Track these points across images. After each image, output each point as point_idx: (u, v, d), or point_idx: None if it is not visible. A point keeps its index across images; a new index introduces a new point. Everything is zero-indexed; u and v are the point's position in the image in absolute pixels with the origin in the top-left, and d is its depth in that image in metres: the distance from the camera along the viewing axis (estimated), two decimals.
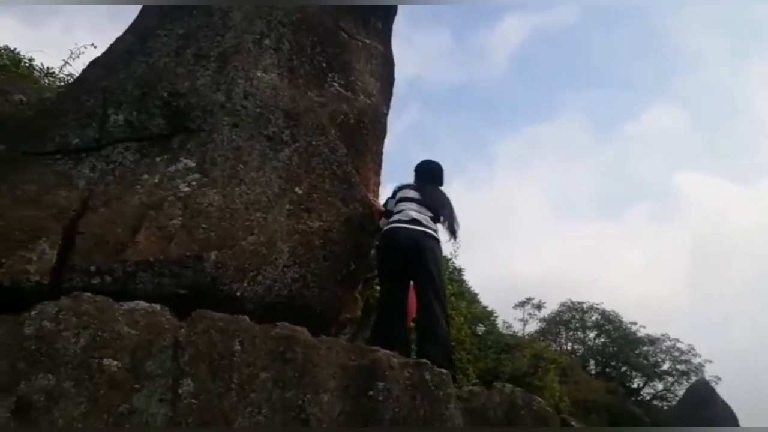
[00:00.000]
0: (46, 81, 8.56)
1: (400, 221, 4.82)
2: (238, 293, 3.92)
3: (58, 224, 3.85)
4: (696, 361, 28.14)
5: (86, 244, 3.78)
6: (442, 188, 5.39)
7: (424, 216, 4.85)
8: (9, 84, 5.66)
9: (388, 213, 5.14)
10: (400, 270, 4.84)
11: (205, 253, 3.88)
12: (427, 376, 3.58)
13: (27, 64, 8.79)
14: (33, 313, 3.03)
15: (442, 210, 5.05)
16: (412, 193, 5.07)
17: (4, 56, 8.43)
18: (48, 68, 9.00)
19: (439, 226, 5.07)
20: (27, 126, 4.68)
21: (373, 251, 5.18)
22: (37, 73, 8.75)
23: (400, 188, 5.27)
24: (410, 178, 5.51)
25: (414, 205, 4.92)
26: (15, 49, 8.94)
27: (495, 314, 17.14)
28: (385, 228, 4.97)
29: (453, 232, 5.10)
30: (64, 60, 9.03)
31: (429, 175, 5.41)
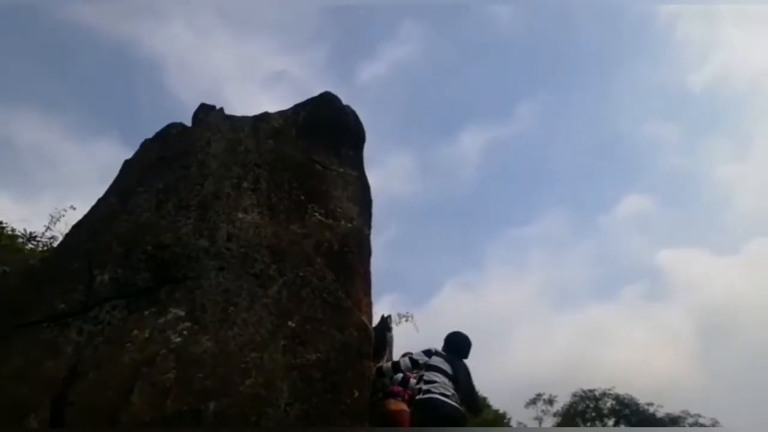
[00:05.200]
0: (29, 246, 8.63)
1: (442, 394, 5.13)
2: None
3: (46, 397, 3.72)
4: None
5: (77, 414, 3.63)
6: (467, 361, 5.78)
7: (454, 393, 5.25)
8: None
9: (413, 362, 5.47)
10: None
11: (203, 405, 3.74)
12: None
13: (10, 233, 8.88)
14: None
15: (468, 391, 5.45)
16: (446, 366, 5.37)
17: None
18: (31, 233, 9.11)
19: None
20: (11, 297, 4.64)
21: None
22: (20, 240, 8.82)
23: (435, 354, 5.53)
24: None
25: (447, 381, 5.26)
26: None
27: (507, 416, 16.43)
28: (428, 396, 5.15)
29: (475, 410, 5.63)
30: (45, 225, 9.17)
31: (458, 348, 5.75)
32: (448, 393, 5.16)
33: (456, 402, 5.16)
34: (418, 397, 5.15)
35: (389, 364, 5.72)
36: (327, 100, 6.20)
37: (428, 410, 5.06)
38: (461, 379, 5.37)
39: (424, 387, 5.19)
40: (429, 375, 5.31)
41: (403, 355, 5.78)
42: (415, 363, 5.45)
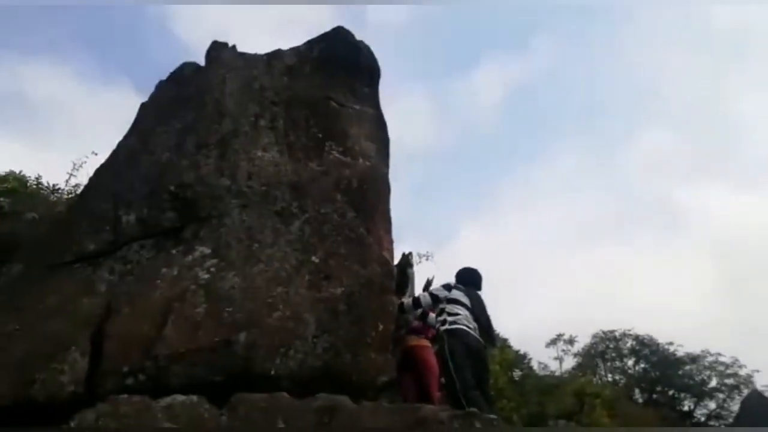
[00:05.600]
0: (54, 197, 8.78)
1: (467, 327, 5.28)
2: (272, 372, 3.86)
3: (85, 331, 3.86)
4: (743, 372, 27.12)
5: (115, 346, 3.77)
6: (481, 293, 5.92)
7: (475, 325, 5.39)
8: (20, 204, 5.81)
9: (434, 297, 5.55)
10: (472, 364, 5.14)
11: (234, 336, 3.85)
12: (477, 424, 3.47)
13: (34, 184, 9.05)
14: (72, 423, 2.99)
15: (486, 322, 5.57)
16: (465, 299, 5.48)
17: (11, 180, 8.68)
18: (54, 185, 9.26)
19: None
20: (43, 241, 4.77)
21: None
22: (44, 192, 8.98)
23: (454, 287, 5.63)
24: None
25: (468, 314, 5.38)
26: (20, 171, 9.22)
27: (528, 356, 16.73)
28: (456, 326, 5.26)
29: (491, 341, 5.73)
30: (68, 173, 9.30)
31: (472, 281, 5.88)
32: (471, 325, 5.28)
33: (477, 334, 5.28)
34: (445, 327, 5.23)
35: (410, 299, 5.77)
36: (340, 35, 6.06)
37: (458, 339, 5.16)
38: (479, 311, 5.49)
39: (449, 318, 5.29)
40: (451, 308, 5.39)
41: (424, 290, 5.85)
42: (435, 298, 5.54)
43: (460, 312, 5.37)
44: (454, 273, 6.01)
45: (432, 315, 5.72)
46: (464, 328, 5.25)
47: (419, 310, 5.85)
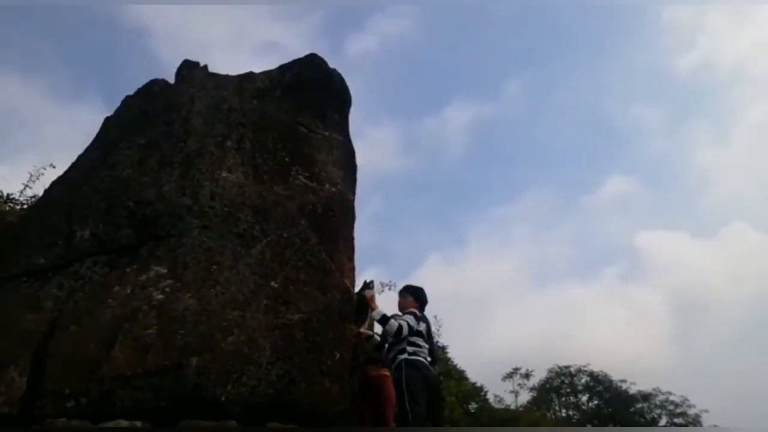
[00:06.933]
0: (7, 207, 8.45)
1: (425, 359, 5.32)
2: (223, 398, 3.76)
3: (27, 349, 3.70)
4: (692, 412, 27.74)
5: (57, 366, 3.62)
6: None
7: (431, 359, 5.47)
8: None
9: (414, 331, 5.43)
10: (427, 396, 5.16)
11: (185, 360, 3.74)
12: None
13: None
14: None
15: (433, 348, 5.69)
16: (423, 329, 5.53)
17: None
18: (8, 194, 8.93)
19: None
20: None
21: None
22: None
23: (421, 319, 5.63)
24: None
25: (427, 347, 5.44)
26: None
27: (485, 389, 16.74)
28: (416, 358, 5.27)
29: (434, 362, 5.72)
30: (23, 183, 9.00)
31: (424, 303, 5.93)
32: (429, 359, 5.36)
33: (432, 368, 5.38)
34: (404, 357, 5.21)
35: (395, 323, 5.43)
36: (313, 61, 6.11)
37: (417, 370, 5.17)
38: (432, 342, 5.59)
39: (409, 349, 5.29)
40: (414, 339, 5.40)
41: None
42: (412, 331, 5.43)
43: (421, 345, 5.40)
44: (406, 289, 6.00)
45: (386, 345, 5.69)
46: (423, 360, 5.26)
47: (376, 339, 5.81)
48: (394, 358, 5.31)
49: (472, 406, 14.91)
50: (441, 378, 5.52)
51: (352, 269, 5.67)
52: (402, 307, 5.85)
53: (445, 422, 5.42)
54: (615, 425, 27.48)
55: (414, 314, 5.57)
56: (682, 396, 28.46)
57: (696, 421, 27.16)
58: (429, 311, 6.05)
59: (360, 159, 6.31)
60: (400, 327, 5.30)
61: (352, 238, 5.77)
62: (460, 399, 12.79)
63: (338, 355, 4.67)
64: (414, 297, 5.87)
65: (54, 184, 5.10)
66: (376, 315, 5.51)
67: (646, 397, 28.54)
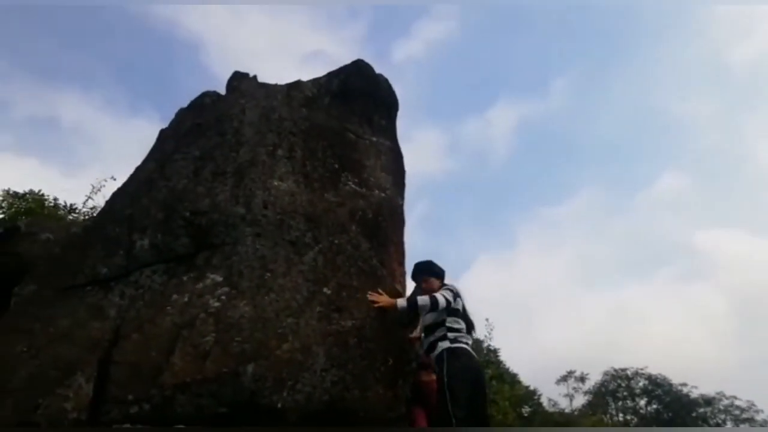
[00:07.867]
0: (70, 217, 8.87)
1: (467, 344, 4.88)
2: (279, 405, 3.79)
3: (92, 356, 3.83)
4: (760, 417, 26.39)
5: (122, 373, 3.73)
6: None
7: (472, 339, 5.05)
8: (35, 225, 5.85)
9: (448, 303, 4.89)
10: (471, 390, 4.68)
11: (242, 367, 3.80)
12: None
13: (52, 204, 9.16)
14: None
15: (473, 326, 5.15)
16: (459, 306, 4.97)
17: (29, 199, 8.81)
18: (71, 205, 9.37)
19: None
20: (56, 262, 4.78)
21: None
22: (61, 212, 9.08)
23: (459, 295, 5.04)
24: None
25: (465, 326, 4.95)
26: (39, 191, 9.35)
27: (538, 393, 16.42)
28: (457, 345, 4.82)
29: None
30: (86, 195, 9.42)
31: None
32: (470, 342, 4.92)
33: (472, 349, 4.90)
34: (446, 345, 4.77)
35: (426, 298, 4.85)
36: (360, 68, 6.15)
37: (459, 361, 4.73)
38: (469, 318, 5.02)
39: (450, 335, 4.84)
40: (452, 320, 4.92)
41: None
42: (448, 305, 4.84)
43: (461, 328, 4.92)
44: (420, 270, 5.21)
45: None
46: (465, 346, 4.83)
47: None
48: (433, 345, 4.86)
49: (525, 410, 14.62)
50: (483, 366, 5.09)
51: (403, 274, 5.65)
52: (430, 293, 5.00)
53: (489, 421, 5.01)
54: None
55: (450, 290, 4.94)
56: (749, 401, 27.17)
57: (765, 426, 25.85)
58: (478, 314, 5.80)
59: (407, 162, 6.30)
60: (435, 299, 4.74)
61: (402, 243, 5.75)
62: (513, 403, 12.56)
63: (391, 361, 4.66)
64: (437, 277, 5.20)
65: (115, 195, 5.30)
66: (401, 303, 4.80)
67: (709, 401, 27.38)
